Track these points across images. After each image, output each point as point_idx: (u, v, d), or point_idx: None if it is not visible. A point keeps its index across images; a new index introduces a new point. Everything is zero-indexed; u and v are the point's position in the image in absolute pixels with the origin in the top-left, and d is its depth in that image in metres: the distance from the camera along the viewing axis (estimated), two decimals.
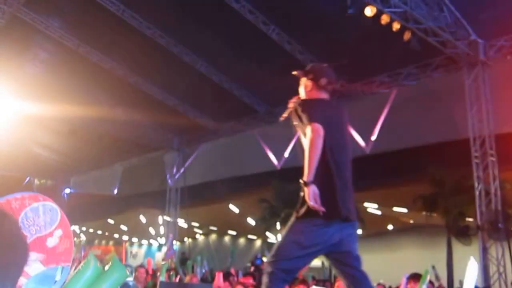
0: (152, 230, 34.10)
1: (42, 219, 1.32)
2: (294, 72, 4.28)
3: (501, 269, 10.76)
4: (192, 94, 16.08)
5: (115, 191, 23.38)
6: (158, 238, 32.58)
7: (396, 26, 10.56)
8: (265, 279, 3.64)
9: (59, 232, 1.34)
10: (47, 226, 1.32)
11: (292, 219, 3.85)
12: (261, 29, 12.17)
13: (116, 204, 26.42)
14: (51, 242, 1.33)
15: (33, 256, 1.28)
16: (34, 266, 1.29)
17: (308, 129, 3.65)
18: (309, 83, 4.18)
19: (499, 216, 10.73)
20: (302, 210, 3.68)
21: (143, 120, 17.64)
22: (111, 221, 36.39)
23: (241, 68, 14.23)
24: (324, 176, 3.62)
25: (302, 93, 4.27)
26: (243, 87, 15.06)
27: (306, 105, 3.97)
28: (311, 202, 3.46)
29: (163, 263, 11.93)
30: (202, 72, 14.35)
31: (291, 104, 4.13)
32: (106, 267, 2.07)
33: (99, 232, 41.35)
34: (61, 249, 1.33)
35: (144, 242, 42.04)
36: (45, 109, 16.13)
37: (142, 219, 32.98)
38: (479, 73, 11.52)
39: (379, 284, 10.43)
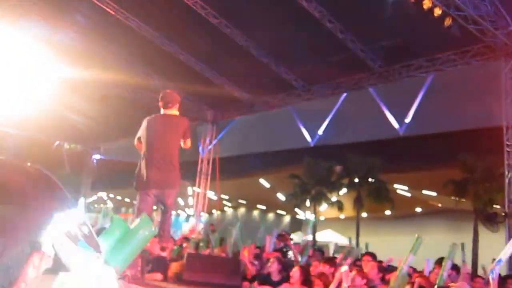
0: (180, 201, 34.44)
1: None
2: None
3: None
4: (230, 67, 16.11)
5: None
6: (186, 209, 32.97)
7: (437, 11, 10.61)
8: None
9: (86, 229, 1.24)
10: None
11: None
12: (303, 6, 12.20)
13: None
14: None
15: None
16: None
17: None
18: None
19: None
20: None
21: (178, 90, 17.62)
22: None
23: (280, 44, 14.34)
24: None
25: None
26: (281, 62, 15.10)
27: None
28: None
29: (193, 236, 11.89)
30: (241, 45, 14.35)
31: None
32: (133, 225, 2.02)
33: (127, 200, 41.83)
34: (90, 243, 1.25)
35: (172, 212, 42.45)
36: (79, 74, 16.17)
37: None
38: None
39: (410, 267, 10.48)
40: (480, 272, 12.83)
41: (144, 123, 6.74)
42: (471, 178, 21.65)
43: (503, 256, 5.39)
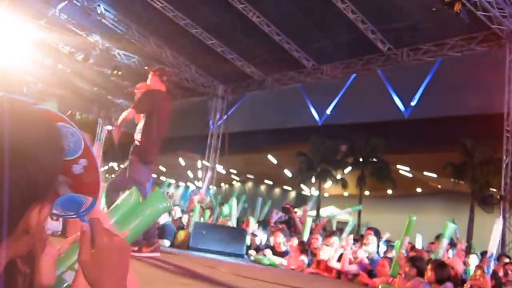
0: (190, 174, 34.65)
1: (64, 141, 1.09)
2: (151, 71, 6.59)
3: None
4: (242, 43, 16.23)
5: None
6: (196, 182, 33.34)
7: None
8: None
9: (84, 162, 1.11)
10: (71, 152, 1.10)
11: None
12: None
13: None
14: (77, 169, 1.12)
15: (61, 177, 1.10)
16: (62, 188, 1.12)
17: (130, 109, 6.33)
18: (155, 78, 6.37)
19: None
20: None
21: (190, 64, 17.93)
22: None
23: (293, 22, 14.48)
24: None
25: (148, 82, 6.47)
26: (293, 41, 15.26)
27: (143, 94, 6.41)
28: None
29: (201, 205, 12.18)
30: (254, 22, 14.44)
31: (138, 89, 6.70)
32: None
33: None
34: (87, 180, 1.14)
35: (181, 184, 42.84)
36: (91, 44, 16.50)
37: (181, 161, 33.59)
38: None
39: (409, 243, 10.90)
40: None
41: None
42: (470, 161, 22.29)
43: (493, 248, 5.66)
